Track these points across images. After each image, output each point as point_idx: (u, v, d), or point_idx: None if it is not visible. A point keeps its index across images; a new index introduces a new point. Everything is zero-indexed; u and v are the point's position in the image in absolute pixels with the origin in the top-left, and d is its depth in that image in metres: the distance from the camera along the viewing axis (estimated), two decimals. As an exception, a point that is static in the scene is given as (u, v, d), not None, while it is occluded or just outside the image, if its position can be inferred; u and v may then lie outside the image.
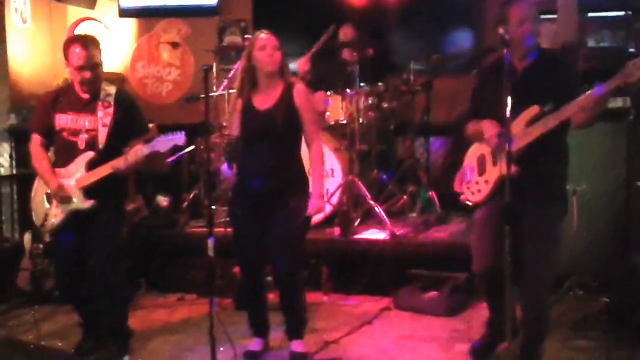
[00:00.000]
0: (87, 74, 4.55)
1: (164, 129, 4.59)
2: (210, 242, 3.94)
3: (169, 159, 6.49)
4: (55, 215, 4.66)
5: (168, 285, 6.33)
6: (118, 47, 8.36)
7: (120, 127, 4.61)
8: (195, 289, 6.13)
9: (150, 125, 4.93)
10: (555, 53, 4.49)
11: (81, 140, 4.60)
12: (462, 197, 4.33)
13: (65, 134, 4.63)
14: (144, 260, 6.37)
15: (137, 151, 4.47)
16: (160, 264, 6.44)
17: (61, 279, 4.95)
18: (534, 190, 3.97)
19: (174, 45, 8.27)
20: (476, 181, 4.22)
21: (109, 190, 4.62)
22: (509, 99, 3.60)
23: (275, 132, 4.44)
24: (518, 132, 3.89)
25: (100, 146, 4.57)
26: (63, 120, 4.64)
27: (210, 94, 5.44)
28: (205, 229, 4.16)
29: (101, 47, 4.67)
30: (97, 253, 4.62)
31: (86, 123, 4.60)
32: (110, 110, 4.61)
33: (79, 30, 7.91)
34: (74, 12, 8.28)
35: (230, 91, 6.64)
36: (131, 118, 4.69)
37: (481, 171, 4.19)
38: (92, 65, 4.56)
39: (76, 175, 4.58)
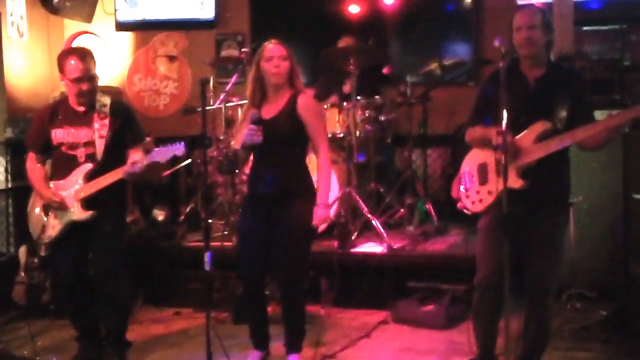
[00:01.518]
0: (85, 86, 4.56)
1: (162, 142, 4.59)
2: (207, 257, 3.93)
3: (165, 172, 6.48)
4: (53, 227, 4.66)
5: (164, 299, 6.29)
6: (115, 60, 8.35)
7: (117, 137, 4.63)
8: (191, 302, 6.08)
9: (147, 138, 4.93)
10: (567, 67, 4.47)
11: (80, 153, 4.62)
12: (459, 204, 4.25)
13: (64, 148, 4.64)
14: (141, 272, 6.33)
15: (137, 162, 4.47)
16: (157, 276, 6.41)
17: (59, 291, 4.93)
18: (542, 200, 3.97)
19: (171, 58, 8.27)
20: (477, 190, 4.15)
21: (109, 201, 4.64)
22: (509, 109, 3.63)
23: (277, 141, 4.42)
24: (528, 146, 3.90)
25: (99, 158, 4.59)
26: (60, 135, 4.65)
27: (207, 107, 5.45)
28: (202, 243, 4.14)
29: (96, 59, 4.69)
30: (103, 263, 4.64)
31: (83, 135, 4.62)
32: (107, 121, 4.62)
33: (76, 44, 7.89)
34: (71, 25, 8.27)
35: (228, 104, 6.64)
36: (128, 127, 4.71)
37: (483, 180, 4.12)
38: (89, 77, 4.59)
39: (75, 186, 4.59)
